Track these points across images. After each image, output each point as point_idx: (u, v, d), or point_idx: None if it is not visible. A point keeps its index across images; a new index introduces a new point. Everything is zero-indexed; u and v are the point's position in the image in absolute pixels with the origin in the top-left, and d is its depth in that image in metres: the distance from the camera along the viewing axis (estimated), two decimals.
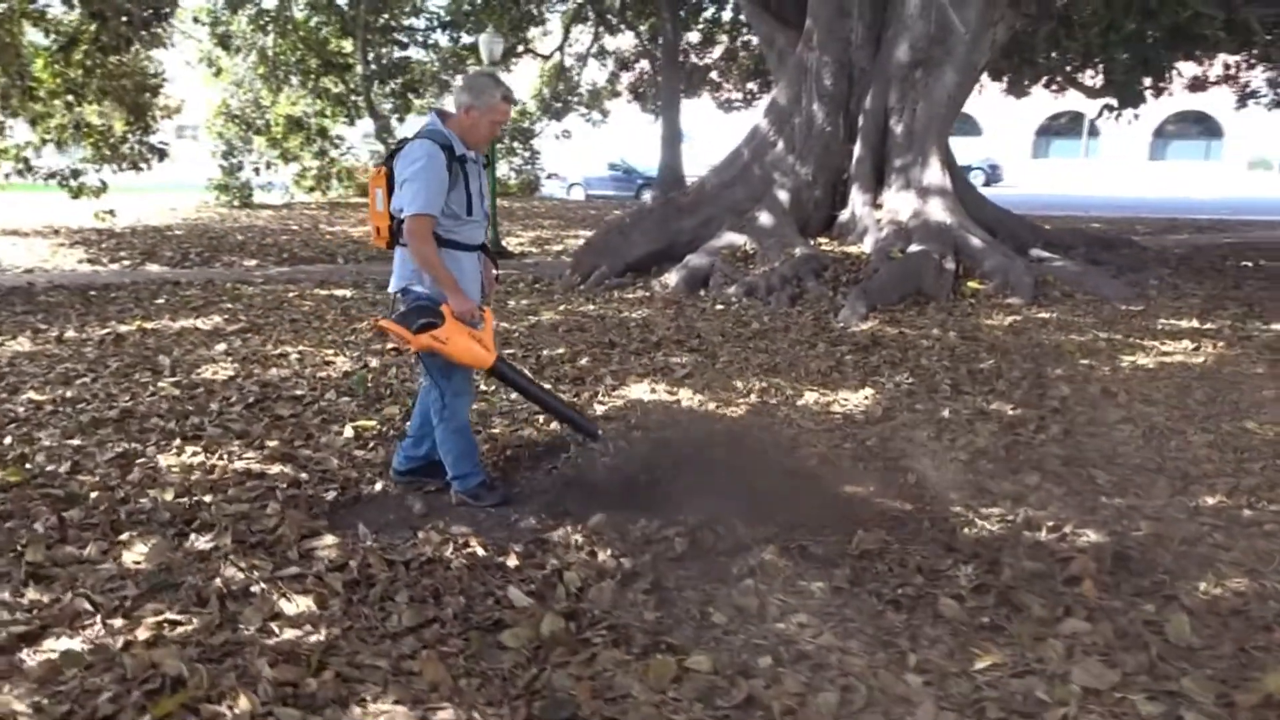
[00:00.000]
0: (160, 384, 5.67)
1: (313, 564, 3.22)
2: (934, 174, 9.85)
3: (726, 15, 24.66)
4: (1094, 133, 39.58)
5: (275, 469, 4.21)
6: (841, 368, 6.08)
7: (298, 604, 2.97)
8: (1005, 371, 5.87)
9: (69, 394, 5.43)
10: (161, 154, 15.85)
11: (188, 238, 15.04)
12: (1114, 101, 12.60)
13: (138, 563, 3.24)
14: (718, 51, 26.50)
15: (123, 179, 16.39)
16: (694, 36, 25.33)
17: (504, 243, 14.13)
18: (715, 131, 35.56)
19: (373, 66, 21.28)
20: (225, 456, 4.35)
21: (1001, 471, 4.13)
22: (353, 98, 21.63)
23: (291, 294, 9.32)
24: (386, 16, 21.16)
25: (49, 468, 4.17)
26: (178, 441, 4.55)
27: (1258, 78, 19.86)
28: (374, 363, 6.29)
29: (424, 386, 3.93)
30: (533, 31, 25.14)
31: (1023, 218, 11.82)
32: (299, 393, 5.47)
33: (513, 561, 3.28)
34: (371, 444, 4.56)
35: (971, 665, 2.61)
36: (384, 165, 3.70)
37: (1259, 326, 7.27)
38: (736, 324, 7.69)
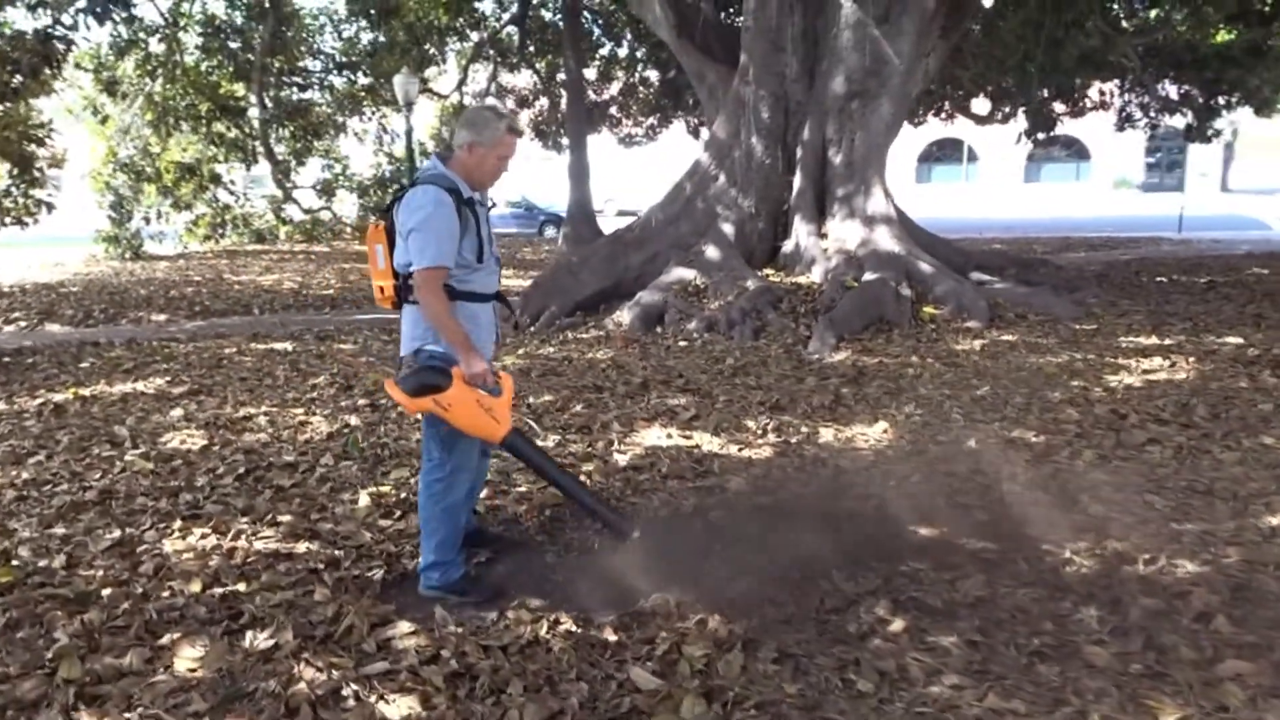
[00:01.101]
0: (126, 458, 5.15)
1: (399, 657, 2.89)
2: (878, 202, 9.99)
3: (623, 52, 24.90)
4: (973, 158, 41.44)
5: (302, 547, 3.83)
6: (843, 401, 6.00)
7: (399, 706, 2.66)
8: (1007, 397, 5.89)
9: (26, 475, 4.89)
10: (49, 207, 14.83)
11: (86, 294, 14.05)
12: (1026, 127, 13.05)
13: (193, 670, 2.86)
14: (615, 88, 26.68)
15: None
16: (590, 73, 25.41)
17: None
18: (616, 167, 35.85)
19: (269, 109, 20.50)
20: (238, 537, 3.94)
21: (1062, 503, 4.07)
22: (249, 142, 20.76)
23: (227, 350, 8.74)
24: (282, 59, 20.43)
25: (40, 563, 3.70)
26: (178, 523, 4.11)
27: (1132, 103, 21.10)
28: (354, 420, 5.89)
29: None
30: (429, 71, 24.75)
31: (949, 241, 12.13)
32: (289, 459, 5.05)
33: (612, 636, 3.02)
34: (397, 512, 4.21)
35: (1156, 719, 2.48)
36: (383, 218, 3.39)
37: (1214, 340, 7.54)
38: (710, 360, 7.55)
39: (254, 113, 20.28)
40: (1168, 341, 7.56)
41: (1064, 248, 18.37)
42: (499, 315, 3.61)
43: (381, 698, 2.69)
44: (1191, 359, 6.82)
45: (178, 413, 6.22)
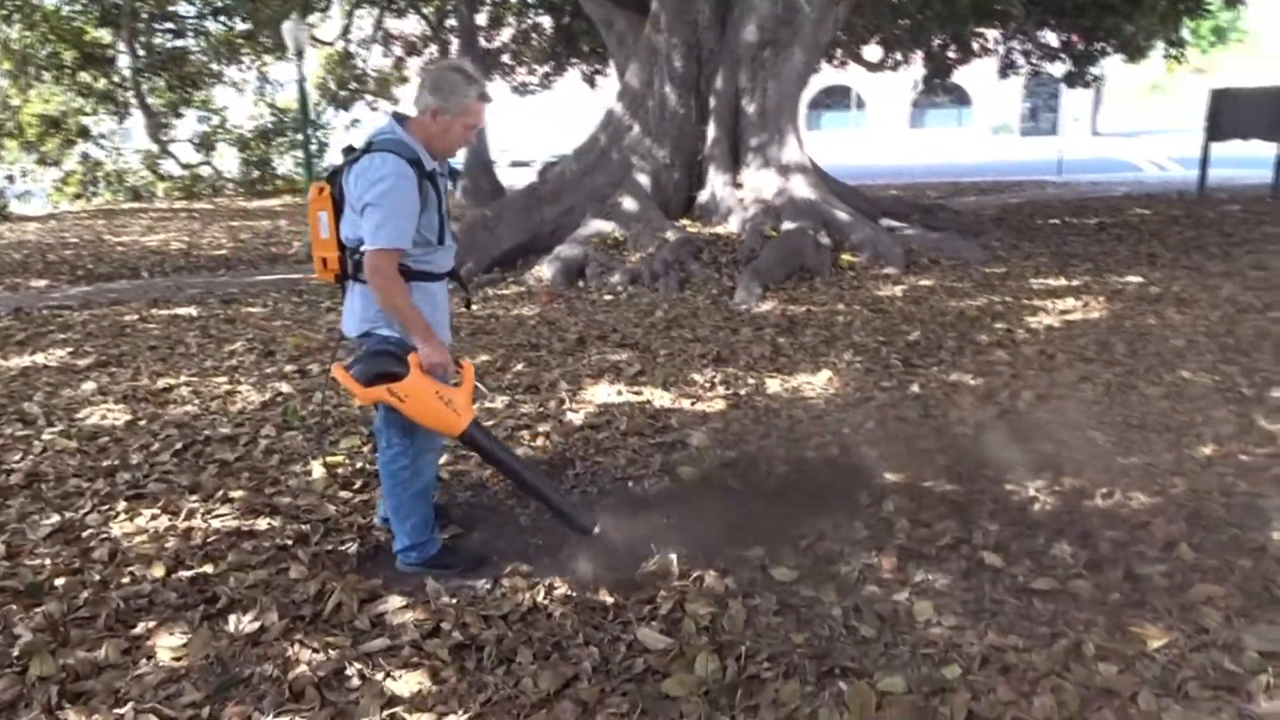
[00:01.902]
0: (45, 437, 4.83)
1: (397, 633, 2.82)
2: (793, 151, 10.08)
3: None
4: (861, 105, 42.16)
5: (263, 524, 3.68)
6: (782, 351, 6.07)
7: (407, 681, 2.60)
8: (939, 342, 6.07)
9: None
10: None
11: None
12: (924, 73, 13.31)
13: (178, 658, 2.73)
14: (507, 34, 26.00)
15: None
16: (481, 19, 24.67)
17: None
18: (510, 116, 35.10)
19: (141, 57, 19.26)
20: (191, 516, 3.76)
21: (1012, 442, 4.23)
22: (120, 92, 19.49)
23: (128, 318, 8.26)
24: (152, 2, 19.18)
25: None
26: (121, 505, 3.89)
27: (1015, 51, 21.76)
28: (285, 388, 5.67)
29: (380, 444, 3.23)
30: (312, 17, 23.63)
31: (857, 189, 12.34)
32: (226, 432, 4.83)
33: (610, 599, 3.01)
34: (356, 482, 4.08)
35: (1146, 646, 2.62)
36: (327, 182, 3.03)
37: (1117, 280, 7.92)
38: (639, 314, 7.53)
39: (124, 61, 19.01)
40: (1075, 282, 7.90)
41: (955, 192, 18.93)
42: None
43: (388, 675, 2.62)
44: (1100, 298, 7.15)
45: (90, 386, 5.86)
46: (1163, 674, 2.50)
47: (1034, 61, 21.71)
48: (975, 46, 21.29)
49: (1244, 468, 3.86)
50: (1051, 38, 20.63)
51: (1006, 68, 21.73)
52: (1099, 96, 41.55)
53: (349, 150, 3.01)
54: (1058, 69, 21.59)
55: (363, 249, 2.89)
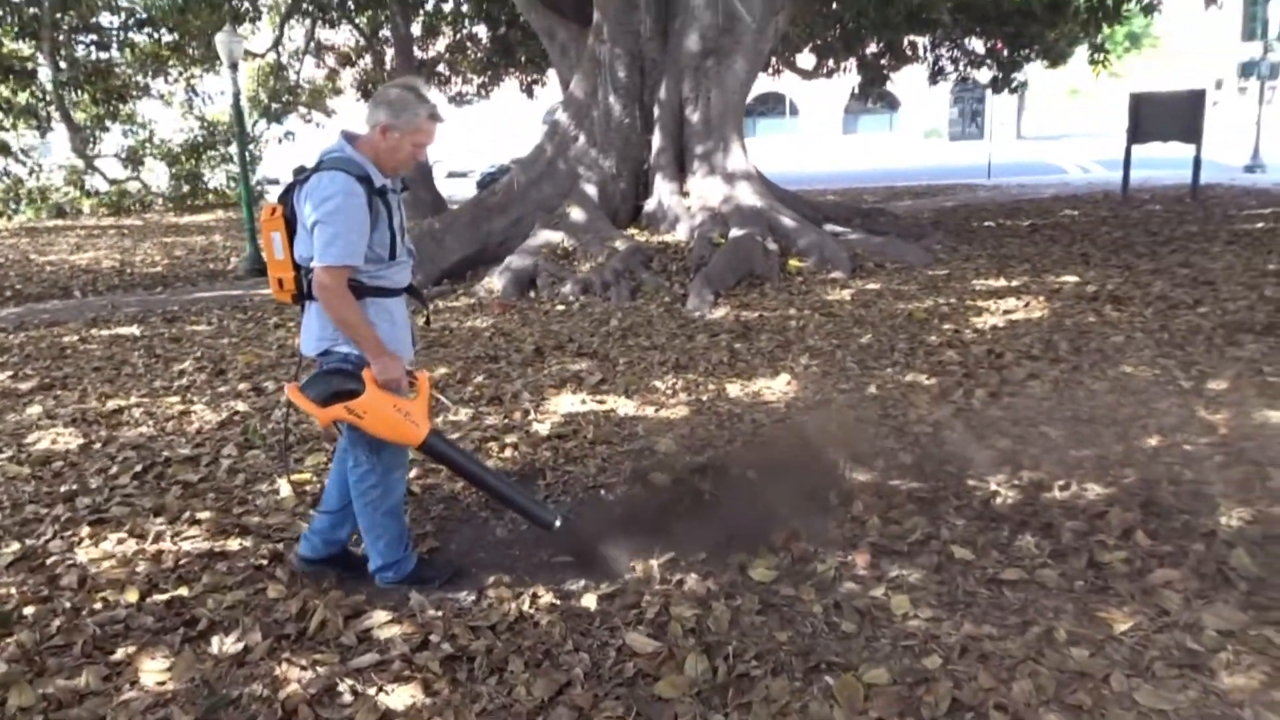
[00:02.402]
0: None
1: (386, 647, 2.83)
2: (737, 159, 10.23)
3: (448, 7, 24.11)
4: (794, 111, 42.77)
5: (235, 544, 3.64)
6: (739, 356, 6.17)
7: (400, 695, 2.61)
8: (890, 344, 6.22)
9: None
10: None
11: None
12: (859, 82, 13.60)
13: (162, 683, 2.70)
14: (442, 44, 25.84)
15: None
16: (415, 29, 24.49)
17: (261, 258, 12.95)
18: (446, 127, 34.85)
19: (64, 70, 18.74)
20: (159, 539, 3.71)
21: (969, 439, 4.36)
22: (43, 107, 18.92)
23: (67, 339, 8.06)
24: (74, 14, 18.67)
25: None
26: (84, 530, 3.82)
27: (944, 57, 22.33)
28: (240, 406, 5.60)
29: (342, 458, 3.24)
30: (243, 29, 23.22)
31: (799, 195, 12.54)
32: (186, 453, 4.75)
33: (594, 604, 3.05)
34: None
35: (1113, 630, 2.75)
36: (280, 202, 3.01)
37: (1054, 280, 8.19)
38: (594, 323, 7.58)
39: (45, 74, 18.45)
40: (1015, 283, 8.15)
41: (890, 197, 19.32)
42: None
43: (380, 689, 2.63)
44: (1041, 298, 7.39)
45: (35, 410, 5.72)
46: (1131, 655, 2.62)
47: (961, 68, 22.35)
48: (907, 53, 21.87)
49: (1189, 457, 4.04)
50: (978, 44, 21.26)
51: (935, 74, 22.30)
52: (1022, 101, 42.78)
53: (299, 170, 3.01)
54: (984, 75, 22.25)
55: (312, 264, 2.89)
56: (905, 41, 19.20)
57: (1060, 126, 46.66)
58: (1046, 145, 35.78)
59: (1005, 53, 20.23)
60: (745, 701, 2.52)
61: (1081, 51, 19.80)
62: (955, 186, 21.10)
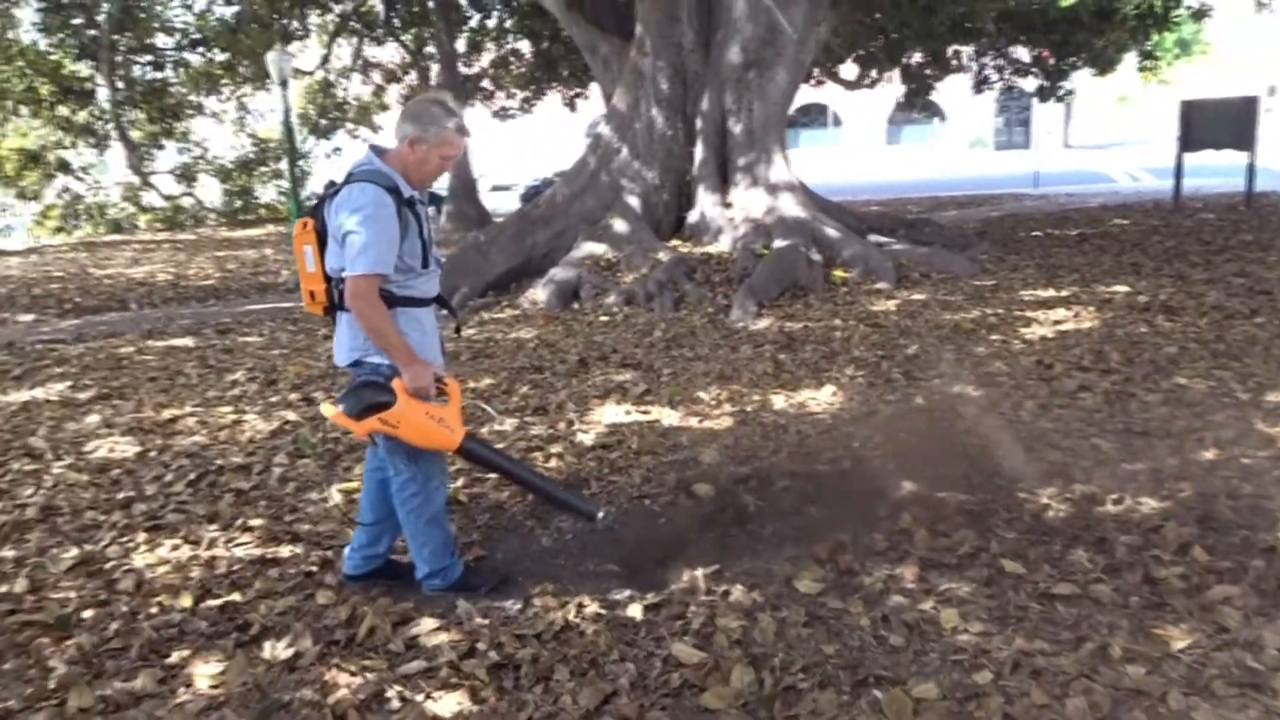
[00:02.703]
0: (54, 471, 4.84)
1: (433, 654, 2.85)
2: (780, 170, 10.20)
3: (492, 23, 24.38)
4: (837, 122, 42.58)
5: (286, 551, 3.71)
6: (784, 367, 6.15)
7: (447, 702, 2.63)
8: (937, 354, 6.16)
9: None
10: None
11: None
12: (903, 92, 13.51)
13: (215, 686, 2.75)
14: (486, 60, 26.14)
15: None
16: (459, 45, 24.81)
17: None
18: (489, 141, 35.24)
19: (121, 90, 19.24)
20: (213, 545, 3.78)
21: (1019, 452, 4.30)
22: (101, 125, 19.44)
23: (124, 350, 8.25)
24: (130, 35, 19.17)
25: (1, 589, 3.45)
26: (141, 536, 3.90)
27: (988, 66, 22.11)
28: (290, 416, 5.69)
29: (373, 469, 3.30)
30: (292, 47, 23.71)
31: (842, 205, 12.49)
32: (239, 461, 4.84)
33: (639, 614, 3.05)
34: None
35: (1170, 647, 2.69)
36: (311, 216, 3.07)
37: (1105, 290, 8.05)
38: (637, 334, 7.59)
39: (103, 94, 18.96)
40: (1064, 293, 8.03)
41: (935, 207, 19.15)
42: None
43: (428, 696, 2.66)
44: (1091, 308, 7.27)
45: (94, 419, 5.86)
46: (1189, 674, 2.57)
47: (1007, 76, 22.11)
48: (951, 63, 21.69)
49: (1247, 471, 3.95)
50: (1023, 53, 21.02)
51: (980, 83, 22.09)
52: (1069, 110, 42.20)
53: (330, 185, 3.07)
54: (1030, 84, 21.99)
55: (343, 274, 2.94)
56: (949, 51, 19.03)
57: (1109, 135, 45.91)
58: (1095, 154, 35.23)
59: (1052, 61, 19.99)
60: (792, 714, 2.50)
61: (1130, 59, 19.52)
62: (1001, 196, 20.86)
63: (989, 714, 2.44)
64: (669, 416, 5.21)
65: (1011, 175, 26.21)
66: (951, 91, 30.85)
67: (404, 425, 2.96)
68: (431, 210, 3.36)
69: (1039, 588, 3.07)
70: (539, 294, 9.27)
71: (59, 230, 20.95)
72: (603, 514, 3.31)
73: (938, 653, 2.76)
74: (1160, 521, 3.46)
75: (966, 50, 21.45)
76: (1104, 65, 20.32)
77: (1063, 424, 4.66)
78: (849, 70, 23.21)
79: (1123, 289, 8.03)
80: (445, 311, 3.37)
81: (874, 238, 10.60)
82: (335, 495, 4.25)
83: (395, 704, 2.64)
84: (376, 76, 26.48)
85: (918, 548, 3.39)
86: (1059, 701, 2.47)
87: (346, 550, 3.43)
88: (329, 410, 3.07)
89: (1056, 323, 6.88)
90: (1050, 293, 8.10)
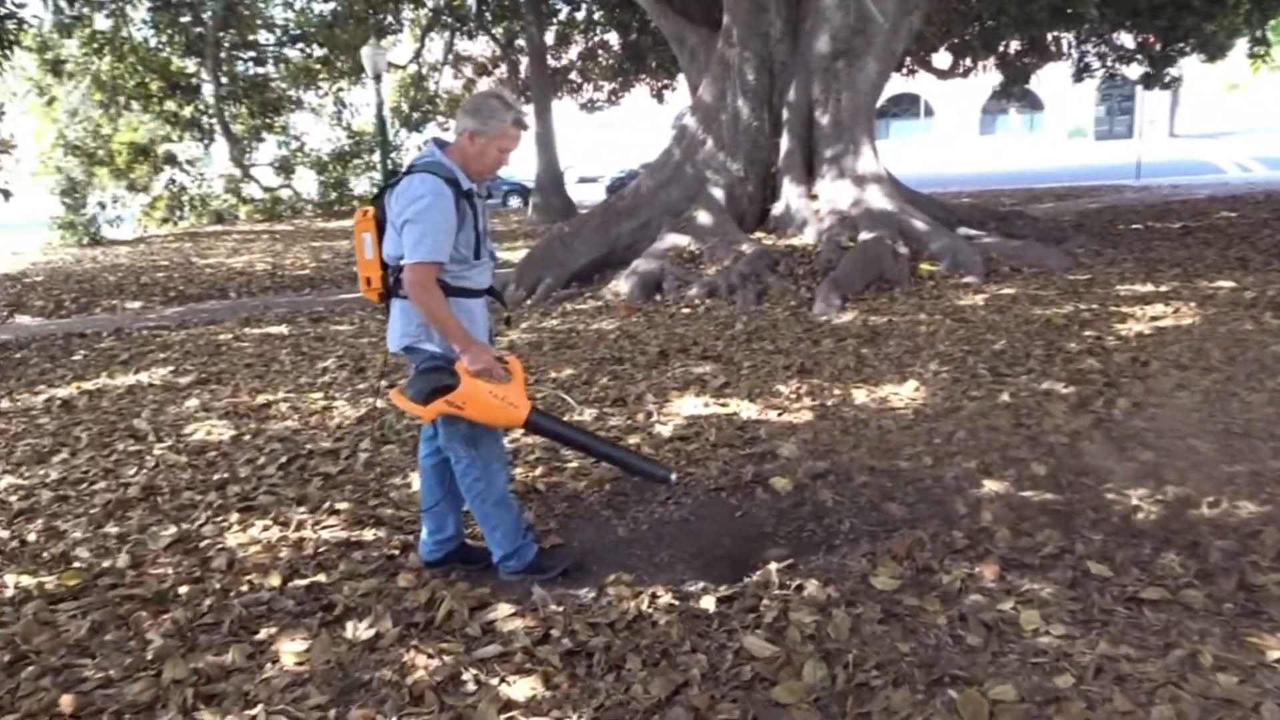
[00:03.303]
0: (156, 452, 5.07)
1: (509, 639, 2.90)
2: (868, 161, 10.04)
3: (581, 15, 24.54)
4: (929, 112, 41.68)
5: (369, 534, 3.81)
6: (866, 362, 6.06)
7: (521, 687, 2.67)
8: (1026, 350, 5.99)
9: (55, 474, 4.79)
10: (6, 194, 14.35)
11: (52, 283, 13.72)
12: (999, 81, 13.15)
13: (300, 663, 2.84)
14: (574, 52, 26.34)
15: None
16: (549, 37, 25.04)
17: None
18: (575, 133, 35.54)
19: (224, 85, 19.97)
20: (301, 527, 3.91)
21: (1110, 451, 4.16)
22: (206, 120, 20.23)
23: (223, 337, 8.59)
24: (234, 32, 19.88)
25: (104, 563, 3.64)
26: (234, 516, 4.06)
27: (1090, 53, 21.32)
28: (378, 403, 5.84)
29: (425, 454, 3.41)
30: (385, 41, 24.27)
31: (932, 197, 12.21)
32: (327, 446, 5.00)
33: (712, 606, 3.05)
34: None
35: (1265, 656, 2.58)
36: (372, 205, 3.18)
37: (1208, 285, 7.72)
38: (719, 326, 7.57)
39: (208, 89, 19.71)
40: (1164, 288, 7.72)
41: (1030, 199, 18.61)
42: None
43: (502, 680, 2.70)
44: (1192, 304, 6.97)
45: (193, 403, 6.12)
46: None
47: (1109, 64, 21.30)
48: (1050, 50, 20.98)
49: None
50: (1127, 39, 20.21)
51: (1081, 71, 21.33)
52: (1176, 98, 40.47)
53: (391, 175, 3.15)
54: (1134, 71, 21.14)
55: (401, 262, 3.01)
56: (1048, 37, 18.43)
57: (1218, 124, 43.90)
58: (1203, 144, 33.73)
59: (1158, 47, 19.19)
60: (864, 711, 2.47)
61: (1242, 44, 18.61)
62: (1101, 188, 20.16)
63: (1069, 719, 2.37)
64: (748, 409, 5.19)
65: (1113, 166, 25.33)
66: (1050, 79, 29.99)
67: (470, 405, 3.04)
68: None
69: (1126, 591, 2.96)
70: (622, 285, 9.31)
71: (165, 221, 21.88)
72: (674, 477, 3.38)
73: (1017, 654, 2.69)
74: (1260, 526, 3.31)
75: (1067, 37, 20.78)
76: (1214, 51, 19.41)
77: (1157, 423, 4.49)
78: (942, 59, 22.76)
79: (1227, 284, 7.68)
80: (498, 303, 3.43)
81: (963, 230, 10.35)
82: (416, 482, 4.34)
83: (470, 686, 2.69)
84: (467, 70, 26.98)
85: (999, 546, 3.31)
86: (1143, 709, 2.38)
87: (421, 539, 3.51)
88: (397, 398, 3.15)
89: (1154, 319, 6.61)
90: (1149, 288, 7.79)
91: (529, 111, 23.17)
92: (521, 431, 3.30)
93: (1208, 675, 2.51)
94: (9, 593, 3.40)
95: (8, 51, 12.50)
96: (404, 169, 3.12)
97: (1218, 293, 7.38)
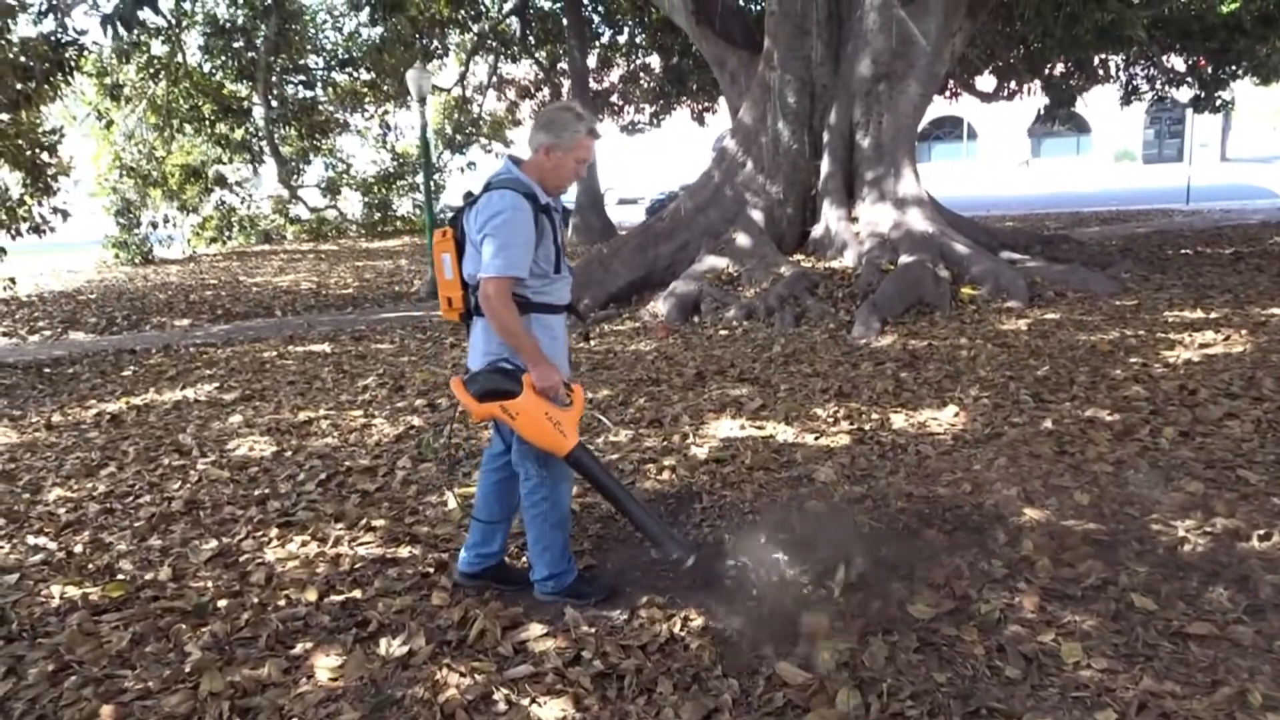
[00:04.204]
0: (199, 467, 5.15)
1: (540, 660, 2.89)
2: (909, 184, 9.98)
3: (623, 39, 24.76)
4: (972, 135, 41.35)
5: (405, 552, 3.83)
6: (905, 386, 6.00)
7: (551, 708, 2.66)
8: (1070, 376, 5.89)
9: (102, 487, 4.88)
10: (64, 215, 14.74)
11: (105, 301, 14.05)
12: (1045, 104, 13.02)
13: (334, 679, 2.86)
14: (616, 75, 26.54)
15: None
16: (590, 61, 25.27)
17: None
18: (616, 155, 35.77)
19: (274, 108, 20.40)
20: (338, 543, 3.94)
21: (1156, 480, 4.07)
22: (255, 142, 20.67)
23: (267, 354, 8.73)
24: (284, 57, 20.31)
25: (147, 576, 3.69)
26: (274, 532, 4.11)
27: (1138, 76, 21.04)
28: (416, 421, 5.89)
29: (491, 469, 3.40)
30: (430, 65, 24.65)
31: (974, 221, 12.11)
32: (365, 463, 5.04)
33: (745, 631, 3.02)
34: None
35: None
36: (450, 225, 3.18)
37: (1260, 312, 7.55)
38: (756, 348, 7.54)
39: (259, 112, 20.14)
40: (1213, 315, 7.56)
41: (1076, 223, 18.38)
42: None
43: (533, 700, 2.69)
44: (1243, 331, 6.82)
45: (236, 419, 6.21)
46: None
47: (1159, 87, 21.00)
48: (1098, 72, 20.74)
49: None
50: (1178, 61, 19.93)
51: (1129, 94, 21.05)
52: (1227, 121, 39.77)
53: (468, 195, 3.17)
54: (1184, 94, 20.82)
55: (479, 276, 3.00)
56: (1095, 60, 18.23)
57: (1271, 148, 43.05)
58: (1256, 168, 33.09)
59: (1209, 70, 18.91)
60: None
61: None
62: (1149, 213, 19.88)
63: None
64: (784, 432, 5.16)
65: (1162, 190, 24.95)
66: (1098, 103, 29.62)
67: (521, 418, 3.02)
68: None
69: (1171, 625, 2.89)
70: (660, 306, 9.34)
71: (214, 240, 22.34)
72: (691, 561, 3.23)
73: (1057, 688, 2.63)
74: None
75: (1115, 59, 20.54)
76: (1267, 74, 19.09)
77: (1206, 453, 4.38)
78: (986, 82, 22.59)
79: None
80: (575, 319, 3.43)
81: (1006, 254, 10.25)
82: (452, 500, 4.37)
83: (501, 706, 2.68)
84: (510, 93, 27.28)
85: (1039, 577, 3.24)
86: None
87: (462, 550, 3.52)
88: (457, 387, 3.13)
89: (1203, 346, 6.48)
90: (1198, 314, 7.64)
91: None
92: None
93: (1256, 714, 2.43)
94: (55, 603, 3.47)
95: (69, 77, 12.89)
96: (482, 186, 3.12)
97: (1270, 320, 7.21)
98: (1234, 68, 18.50)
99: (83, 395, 7.24)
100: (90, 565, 3.83)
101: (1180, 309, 7.92)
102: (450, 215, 3.26)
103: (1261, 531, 3.48)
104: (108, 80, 18.29)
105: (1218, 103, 19.48)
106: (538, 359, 3.03)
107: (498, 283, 2.95)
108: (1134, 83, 20.81)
